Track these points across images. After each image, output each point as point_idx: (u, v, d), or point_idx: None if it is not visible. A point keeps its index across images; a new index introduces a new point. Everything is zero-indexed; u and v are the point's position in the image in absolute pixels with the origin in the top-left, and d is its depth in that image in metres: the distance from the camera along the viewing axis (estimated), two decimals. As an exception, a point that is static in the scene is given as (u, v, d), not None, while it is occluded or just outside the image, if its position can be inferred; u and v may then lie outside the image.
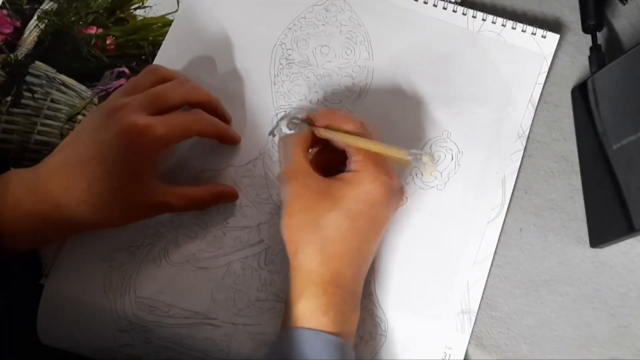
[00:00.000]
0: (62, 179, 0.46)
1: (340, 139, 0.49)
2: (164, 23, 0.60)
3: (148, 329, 0.51)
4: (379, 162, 0.47)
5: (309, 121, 0.51)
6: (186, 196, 0.50)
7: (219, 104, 0.53)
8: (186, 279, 0.52)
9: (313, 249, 0.46)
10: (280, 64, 0.57)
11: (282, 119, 0.54)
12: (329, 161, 0.50)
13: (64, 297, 0.51)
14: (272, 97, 0.57)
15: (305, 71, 0.57)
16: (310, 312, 0.45)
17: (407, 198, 0.54)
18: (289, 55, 0.58)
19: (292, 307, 0.46)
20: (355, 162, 0.47)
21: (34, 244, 0.49)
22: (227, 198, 0.53)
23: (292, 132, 0.51)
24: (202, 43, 0.58)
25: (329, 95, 0.56)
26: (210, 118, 0.51)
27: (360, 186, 0.46)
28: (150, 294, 0.51)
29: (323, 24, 0.58)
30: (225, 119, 0.54)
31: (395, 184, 0.48)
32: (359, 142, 0.48)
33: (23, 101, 0.58)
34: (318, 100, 0.56)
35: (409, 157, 0.43)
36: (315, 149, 0.52)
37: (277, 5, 0.59)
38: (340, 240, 0.46)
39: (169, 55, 0.58)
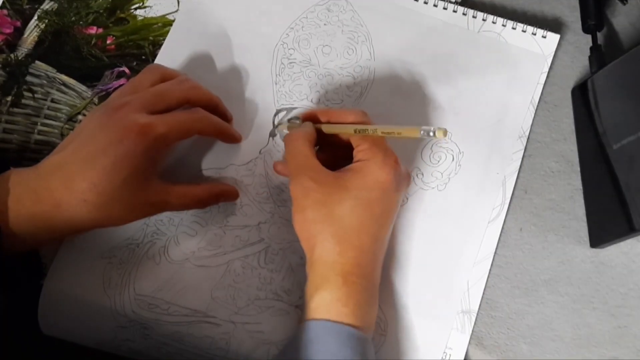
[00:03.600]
0: (62, 179, 0.46)
1: (347, 131, 0.49)
2: (164, 23, 0.60)
3: (147, 326, 0.51)
4: (385, 149, 0.48)
5: (311, 119, 0.51)
6: (186, 195, 0.50)
7: (219, 103, 0.53)
8: (186, 277, 0.52)
9: (331, 240, 0.46)
10: (282, 63, 0.57)
11: (279, 124, 0.55)
12: (329, 160, 0.50)
13: (63, 294, 0.51)
14: (274, 96, 0.57)
15: (306, 71, 0.57)
16: (330, 302, 0.45)
17: (407, 198, 0.54)
18: (291, 54, 0.58)
19: (311, 299, 0.46)
20: (361, 151, 0.48)
21: (34, 243, 0.49)
22: (227, 197, 0.53)
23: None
24: (204, 42, 0.58)
25: (330, 95, 0.56)
26: (211, 117, 0.51)
27: (370, 174, 0.47)
28: (150, 291, 0.51)
29: (325, 24, 0.58)
30: (226, 117, 0.54)
31: (402, 168, 0.48)
32: (368, 129, 0.47)
33: (23, 101, 0.58)
34: (319, 100, 0.56)
35: (422, 134, 0.43)
36: (317, 148, 0.52)
37: (279, 5, 0.59)
38: (358, 229, 0.46)
39: (171, 55, 0.58)
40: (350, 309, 0.45)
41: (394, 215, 0.49)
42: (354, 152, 0.49)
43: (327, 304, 0.45)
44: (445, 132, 0.42)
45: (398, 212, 0.50)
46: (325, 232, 0.46)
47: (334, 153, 0.51)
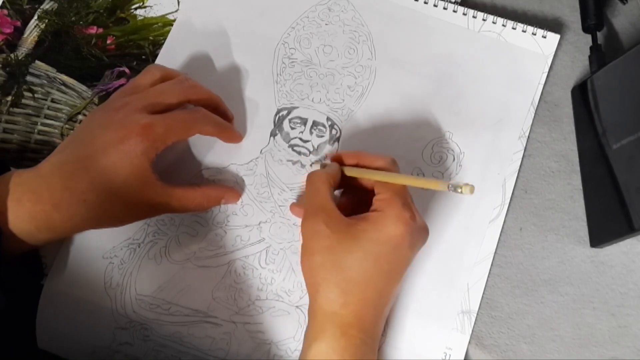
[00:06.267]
0: (62, 179, 0.46)
1: (370, 177, 0.48)
2: (165, 23, 0.60)
3: (148, 326, 0.51)
4: (404, 202, 0.46)
5: (338, 160, 0.51)
6: (187, 198, 0.50)
7: (220, 102, 0.53)
8: (187, 277, 0.52)
9: (335, 290, 0.44)
10: (283, 63, 0.57)
11: (313, 163, 0.55)
12: (351, 204, 0.49)
13: (64, 294, 0.51)
14: (275, 96, 0.57)
15: (307, 70, 0.57)
16: (326, 354, 0.44)
17: None
18: (292, 54, 0.58)
19: (309, 348, 0.45)
20: (380, 200, 0.46)
21: (34, 243, 0.48)
22: (228, 200, 0.53)
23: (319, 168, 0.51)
24: (205, 42, 0.58)
25: (331, 94, 0.56)
26: (211, 116, 0.51)
27: (383, 227, 0.45)
28: (151, 291, 0.51)
29: (326, 24, 0.58)
30: (227, 117, 0.54)
31: (418, 223, 0.46)
32: (390, 177, 0.46)
33: (23, 101, 0.58)
34: (320, 99, 0.56)
35: (449, 189, 0.40)
36: (340, 191, 0.51)
37: (280, 4, 0.59)
38: (364, 283, 0.44)
39: (171, 55, 0.58)
40: None
41: (404, 271, 0.47)
42: (373, 200, 0.47)
43: (322, 355, 0.44)
44: (472, 189, 0.40)
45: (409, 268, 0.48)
46: (330, 281, 0.44)
47: (357, 197, 0.50)
